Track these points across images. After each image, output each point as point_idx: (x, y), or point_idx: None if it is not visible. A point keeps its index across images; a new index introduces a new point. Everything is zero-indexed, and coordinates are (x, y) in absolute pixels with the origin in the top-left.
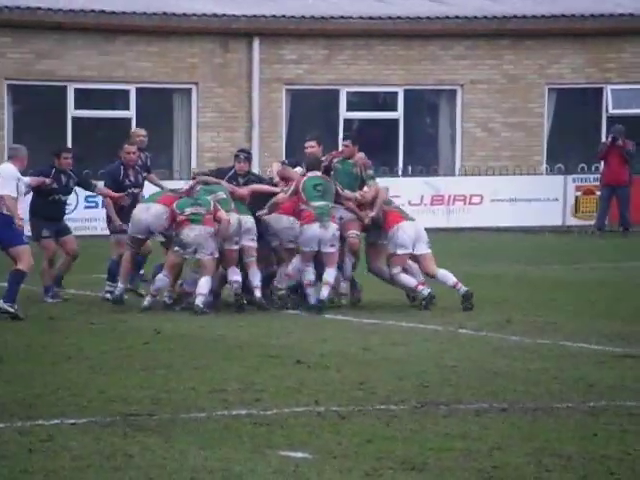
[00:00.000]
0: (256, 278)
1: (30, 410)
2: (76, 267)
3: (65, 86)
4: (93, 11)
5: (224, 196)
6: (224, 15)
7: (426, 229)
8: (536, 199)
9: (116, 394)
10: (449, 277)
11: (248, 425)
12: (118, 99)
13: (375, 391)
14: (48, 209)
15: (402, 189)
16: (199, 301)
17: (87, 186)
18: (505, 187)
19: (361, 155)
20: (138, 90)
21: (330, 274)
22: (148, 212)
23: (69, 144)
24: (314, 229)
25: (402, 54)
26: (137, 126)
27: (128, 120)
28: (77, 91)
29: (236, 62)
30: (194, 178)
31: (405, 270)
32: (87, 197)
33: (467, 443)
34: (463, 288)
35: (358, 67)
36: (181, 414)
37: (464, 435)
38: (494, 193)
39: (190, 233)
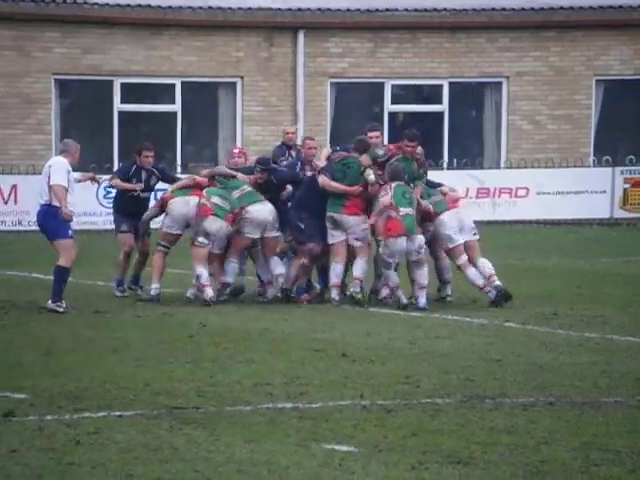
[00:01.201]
0: (278, 267)
1: (77, 402)
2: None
3: (111, 80)
4: (139, 5)
5: (250, 189)
6: (269, 9)
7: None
8: (583, 192)
9: (162, 387)
10: (487, 271)
11: (293, 418)
12: (164, 93)
13: (420, 385)
14: (128, 205)
15: (447, 182)
16: (210, 292)
17: (169, 181)
18: (551, 180)
19: (419, 150)
20: (184, 84)
21: (423, 276)
22: (189, 206)
23: (115, 138)
24: (400, 243)
25: (447, 46)
26: (182, 120)
27: (174, 114)
28: (123, 85)
29: (281, 55)
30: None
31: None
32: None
33: (513, 437)
34: (492, 292)
35: (403, 60)
36: (226, 407)
37: (510, 429)
38: (540, 186)
39: (214, 224)
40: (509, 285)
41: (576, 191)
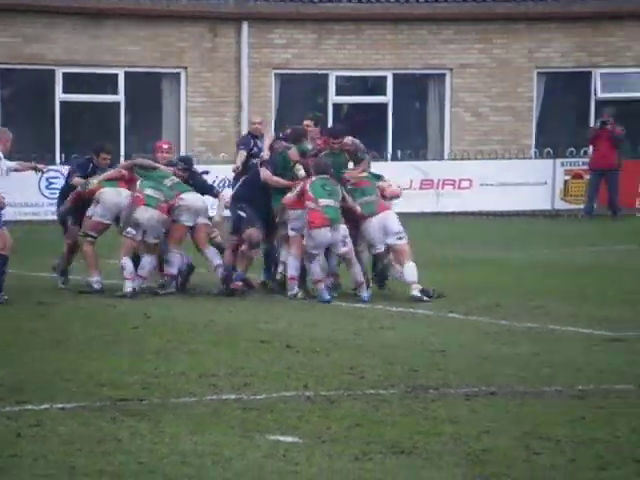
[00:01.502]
0: (216, 259)
1: (19, 395)
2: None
3: (53, 70)
4: None
5: (178, 179)
6: None
7: (415, 214)
8: (525, 183)
9: (105, 379)
10: (413, 275)
11: (237, 410)
12: (107, 83)
13: (364, 375)
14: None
15: (391, 173)
16: (130, 286)
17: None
18: (494, 171)
19: (348, 140)
20: (127, 74)
21: (358, 273)
22: (121, 196)
23: (57, 129)
24: (324, 234)
25: (391, 38)
26: (126, 110)
27: (117, 104)
28: (65, 75)
29: (225, 46)
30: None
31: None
32: None
33: (456, 427)
34: (416, 291)
35: (347, 51)
36: (171, 399)
37: (453, 419)
38: (483, 177)
39: (144, 214)
40: (452, 275)
41: (518, 183)
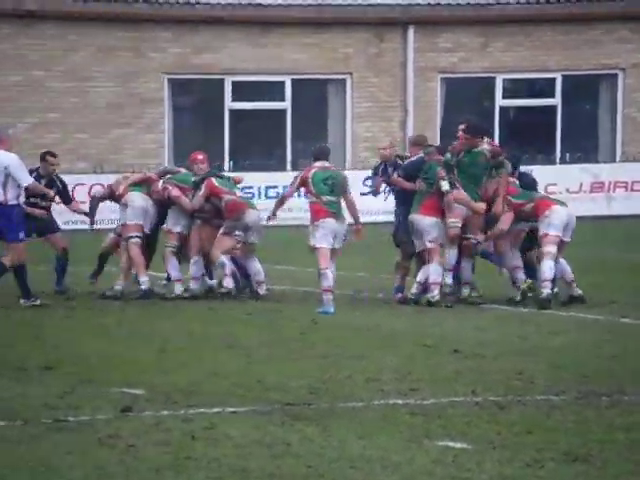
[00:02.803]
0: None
1: (191, 398)
2: None
3: (222, 79)
4: (250, 4)
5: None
6: (379, 5)
7: (585, 217)
8: None
9: (274, 383)
10: (567, 273)
11: (405, 415)
12: (274, 90)
13: (534, 381)
14: None
15: (560, 177)
16: (232, 282)
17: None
18: None
19: (487, 144)
20: (293, 81)
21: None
22: (147, 202)
23: (226, 136)
24: (331, 222)
25: (560, 39)
26: (292, 117)
27: (284, 111)
28: (234, 83)
29: (391, 51)
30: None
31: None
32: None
33: (631, 435)
34: (576, 290)
35: (514, 53)
36: (339, 403)
37: (628, 427)
38: None
39: (252, 217)
40: (625, 279)
41: None
